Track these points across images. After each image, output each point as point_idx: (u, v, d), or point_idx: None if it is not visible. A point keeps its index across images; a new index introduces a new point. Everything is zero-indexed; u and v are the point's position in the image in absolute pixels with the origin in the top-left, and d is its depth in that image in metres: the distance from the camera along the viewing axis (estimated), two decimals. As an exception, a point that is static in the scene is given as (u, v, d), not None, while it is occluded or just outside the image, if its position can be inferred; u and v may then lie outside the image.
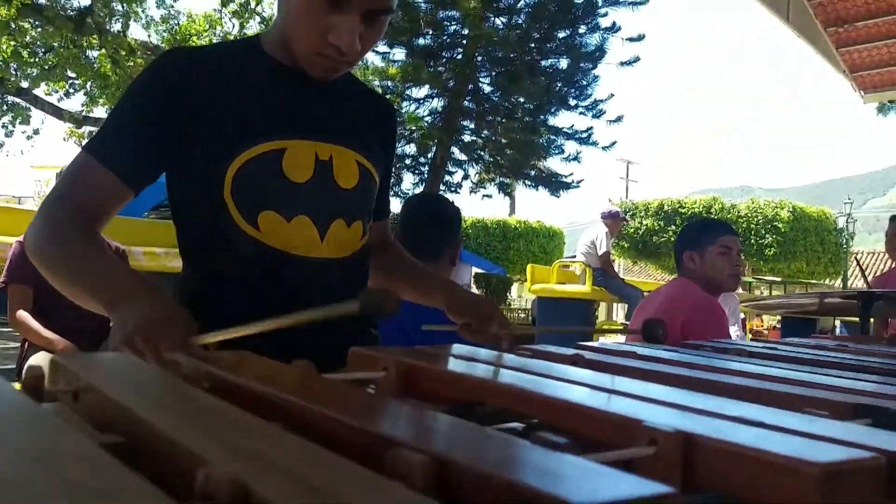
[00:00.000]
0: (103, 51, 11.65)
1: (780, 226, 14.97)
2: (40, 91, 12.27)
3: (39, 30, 11.47)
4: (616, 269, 7.32)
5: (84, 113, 12.61)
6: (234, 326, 0.81)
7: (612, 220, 6.44)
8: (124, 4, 12.06)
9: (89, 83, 12.40)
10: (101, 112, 12.74)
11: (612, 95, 10.23)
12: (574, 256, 6.94)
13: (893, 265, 3.76)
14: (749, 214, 15.41)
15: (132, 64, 11.69)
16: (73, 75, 12.28)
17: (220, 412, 0.39)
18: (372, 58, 9.69)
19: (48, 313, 2.65)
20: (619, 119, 10.25)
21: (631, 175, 41.77)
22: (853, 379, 0.80)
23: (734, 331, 4.14)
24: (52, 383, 0.47)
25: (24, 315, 2.66)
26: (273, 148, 1.07)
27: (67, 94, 12.61)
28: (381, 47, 9.35)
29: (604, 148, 10.35)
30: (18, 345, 2.91)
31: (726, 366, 0.83)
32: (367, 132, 1.22)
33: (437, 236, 1.99)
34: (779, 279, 11.09)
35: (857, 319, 2.61)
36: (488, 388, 0.56)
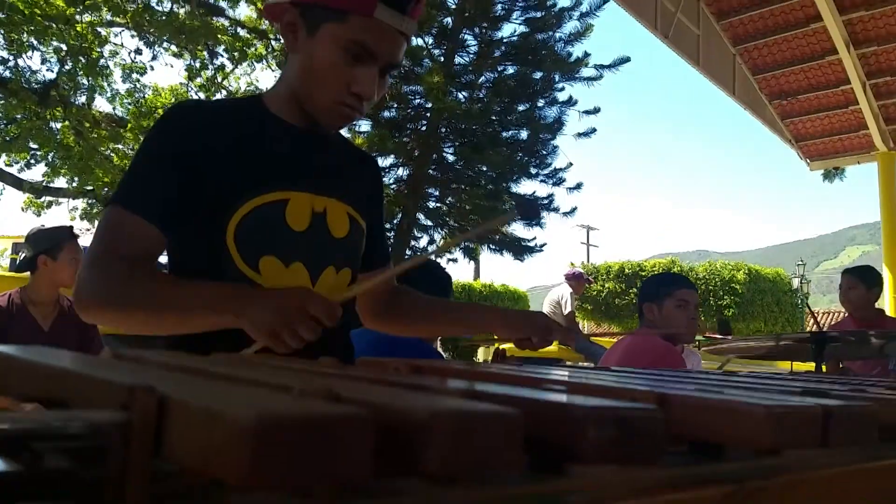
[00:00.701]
0: (67, 122, 11.67)
1: (738, 287, 15.42)
2: (0, 161, 12.17)
3: (2, 102, 11.45)
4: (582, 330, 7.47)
5: (45, 183, 12.50)
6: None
7: (576, 280, 6.63)
8: (90, 78, 12.17)
9: (51, 154, 12.34)
10: (62, 182, 12.64)
11: (571, 164, 10.59)
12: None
13: (846, 315, 3.98)
14: (707, 277, 15.84)
15: (96, 135, 11.72)
16: (36, 146, 12.22)
17: (284, 370, 0.47)
18: (338, 128, 9.88)
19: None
20: (578, 186, 10.58)
21: (591, 240, 42.67)
22: (804, 382, 0.91)
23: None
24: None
25: None
26: (278, 198, 1.17)
27: (28, 165, 12.51)
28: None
29: (565, 214, 10.63)
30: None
31: (690, 374, 0.93)
32: (357, 186, 1.33)
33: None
34: (730, 338, 11.39)
35: (811, 366, 2.74)
36: (489, 375, 0.65)
